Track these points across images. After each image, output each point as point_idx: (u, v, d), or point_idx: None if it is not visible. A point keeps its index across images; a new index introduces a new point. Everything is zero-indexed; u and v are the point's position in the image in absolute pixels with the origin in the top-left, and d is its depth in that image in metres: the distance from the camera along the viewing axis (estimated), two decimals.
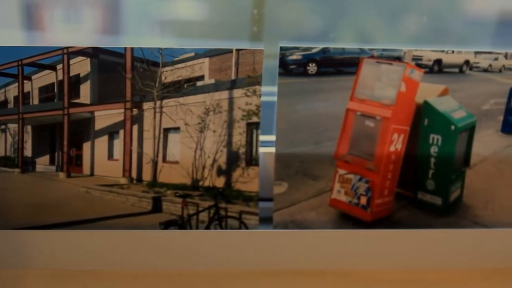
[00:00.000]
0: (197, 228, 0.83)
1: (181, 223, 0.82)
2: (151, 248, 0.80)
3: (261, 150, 0.84)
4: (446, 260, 0.83)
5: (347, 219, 0.84)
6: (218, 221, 0.83)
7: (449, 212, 0.85)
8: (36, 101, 0.80)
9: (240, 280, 0.80)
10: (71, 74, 0.79)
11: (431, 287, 0.81)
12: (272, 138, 0.83)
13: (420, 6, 1.01)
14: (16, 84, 0.79)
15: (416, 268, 0.83)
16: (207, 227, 0.83)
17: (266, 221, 0.84)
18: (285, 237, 0.81)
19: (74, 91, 0.80)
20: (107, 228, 0.81)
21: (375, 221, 0.84)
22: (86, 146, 0.81)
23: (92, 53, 0.78)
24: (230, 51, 0.80)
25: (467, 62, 0.84)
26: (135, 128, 0.81)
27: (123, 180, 0.82)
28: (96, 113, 0.80)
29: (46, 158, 0.82)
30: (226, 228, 0.83)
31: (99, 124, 0.81)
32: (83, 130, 0.81)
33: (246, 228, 0.83)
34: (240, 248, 0.81)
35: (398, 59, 0.82)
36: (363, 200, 0.84)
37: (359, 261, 0.83)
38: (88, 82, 0.79)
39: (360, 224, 0.84)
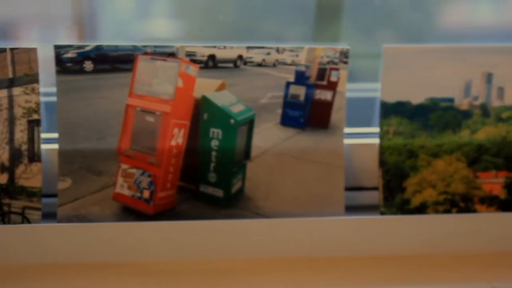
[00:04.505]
0: None
1: None
2: None
3: (44, 146, 0.86)
4: (228, 250, 0.85)
5: (131, 212, 0.86)
6: (1, 216, 0.84)
7: (231, 204, 0.87)
8: None
9: (24, 274, 0.81)
10: None
11: (214, 276, 0.83)
12: (55, 135, 0.85)
13: None
14: None
15: (199, 258, 0.85)
16: None
17: (50, 216, 0.85)
18: (68, 231, 0.83)
19: None
20: None
21: (158, 213, 0.86)
22: None
23: None
24: (3, 50, 0.83)
25: (240, 57, 0.87)
26: None
27: None
28: None
29: None
30: (9, 223, 0.84)
31: None
32: None
33: (29, 223, 0.84)
34: (23, 242, 0.82)
35: (173, 55, 0.85)
36: (146, 194, 0.86)
37: (142, 253, 0.84)
38: None
39: (144, 217, 0.86)
